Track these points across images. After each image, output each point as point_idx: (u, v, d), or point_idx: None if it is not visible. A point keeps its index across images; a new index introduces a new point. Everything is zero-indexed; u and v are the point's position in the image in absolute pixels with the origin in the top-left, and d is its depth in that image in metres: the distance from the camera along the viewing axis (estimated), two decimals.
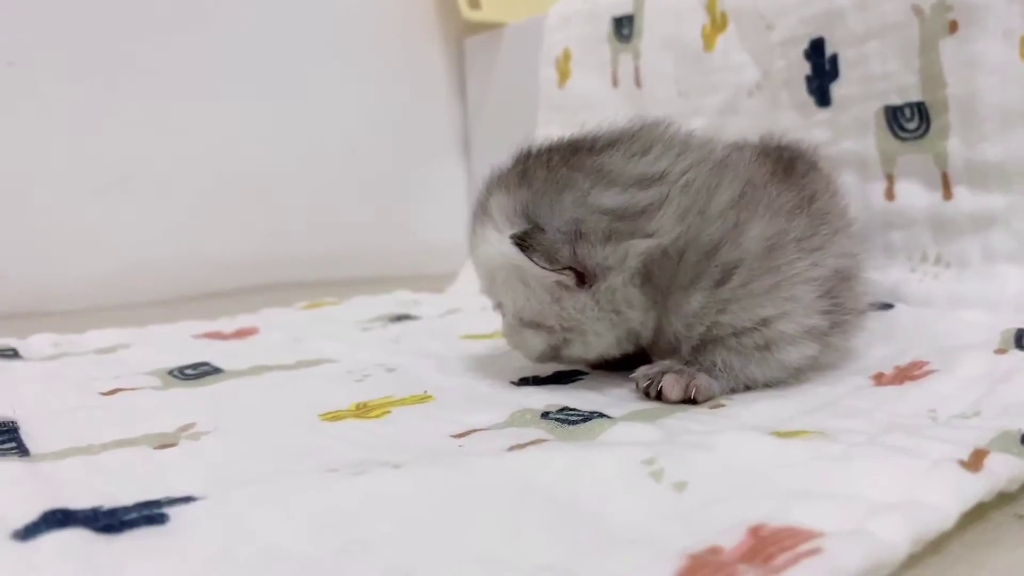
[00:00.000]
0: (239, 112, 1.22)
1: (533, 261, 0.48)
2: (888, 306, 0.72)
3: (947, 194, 0.73)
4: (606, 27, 1.06)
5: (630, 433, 0.42)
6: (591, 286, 0.49)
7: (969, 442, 0.36)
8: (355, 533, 0.30)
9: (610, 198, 0.49)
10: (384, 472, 0.36)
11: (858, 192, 0.79)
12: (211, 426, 0.47)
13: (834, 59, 0.80)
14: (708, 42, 0.94)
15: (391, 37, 1.33)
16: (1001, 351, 0.55)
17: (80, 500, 0.34)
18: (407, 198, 1.38)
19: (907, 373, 0.53)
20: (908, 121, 0.75)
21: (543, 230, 0.48)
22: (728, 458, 0.36)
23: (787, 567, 0.26)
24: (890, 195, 0.77)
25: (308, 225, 1.27)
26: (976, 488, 0.32)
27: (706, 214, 0.49)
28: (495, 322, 0.59)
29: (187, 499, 0.34)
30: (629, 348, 0.54)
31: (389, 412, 0.50)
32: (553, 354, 0.54)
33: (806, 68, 0.82)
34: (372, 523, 0.31)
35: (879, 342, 0.62)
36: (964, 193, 0.72)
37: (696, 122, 0.95)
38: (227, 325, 0.82)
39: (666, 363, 0.52)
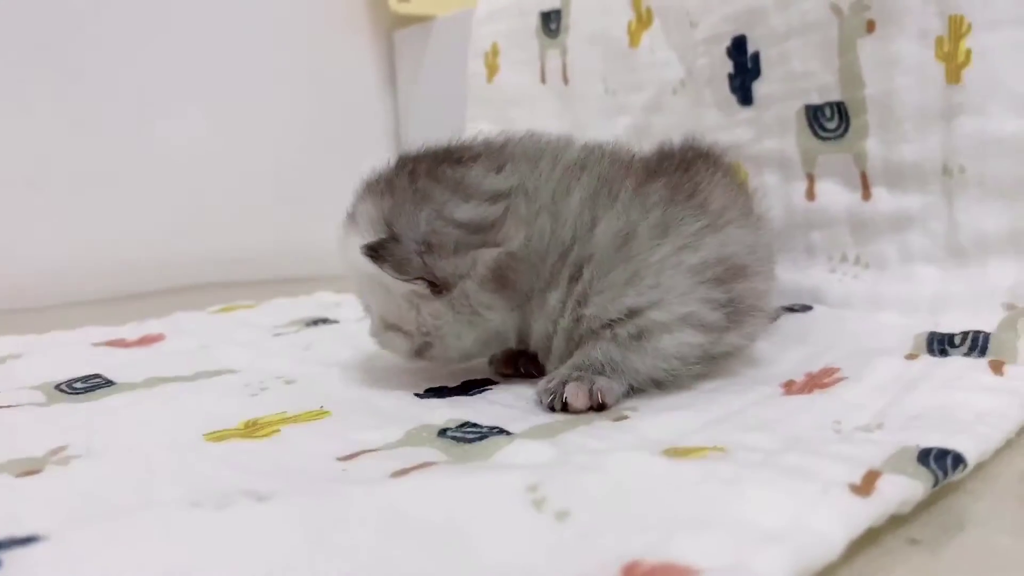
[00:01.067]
0: (159, 107, 1.17)
1: (384, 271, 0.50)
2: (807, 308, 0.71)
3: (866, 194, 0.73)
4: (534, 22, 1.04)
5: (524, 453, 0.40)
6: (445, 294, 0.51)
7: (865, 461, 0.34)
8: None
9: (464, 212, 0.51)
10: (250, 505, 0.33)
11: (780, 192, 0.79)
12: (83, 449, 0.44)
13: (756, 57, 0.79)
14: (634, 38, 0.92)
15: (320, 30, 1.29)
16: (912, 356, 0.55)
17: None
18: (337, 194, 1.34)
19: (817, 381, 0.52)
20: (828, 120, 0.74)
21: (398, 240, 0.50)
22: (617, 481, 0.34)
23: None
24: (811, 195, 0.77)
25: (232, 223, 1.23)
26: (866, 513, 0.30)
27: (559, 216, 0.52)
28: None
29: (28, 540, 0.31)
30: (497, 348, 0.58)
31: (278, 431, 0.47)
32: (419, 354, 0.55)
33: (728, 66, 0.81)
34: (223, 567, 0.29)
35: (795, 345, 0.61)
36: (883, 193, 0.71)
37: (622, 120, 0.94)
38: (132, 332, 0.78)
39: (562, 371, 0.51)
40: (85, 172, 1.13)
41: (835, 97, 0.73)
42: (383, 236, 0.51)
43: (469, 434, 0.44)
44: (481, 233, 0.51)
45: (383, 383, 0.57)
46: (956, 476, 0.36)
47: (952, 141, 0.66)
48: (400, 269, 0.50)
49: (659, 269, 0.50)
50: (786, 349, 0.60)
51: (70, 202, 1.12)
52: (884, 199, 0.71)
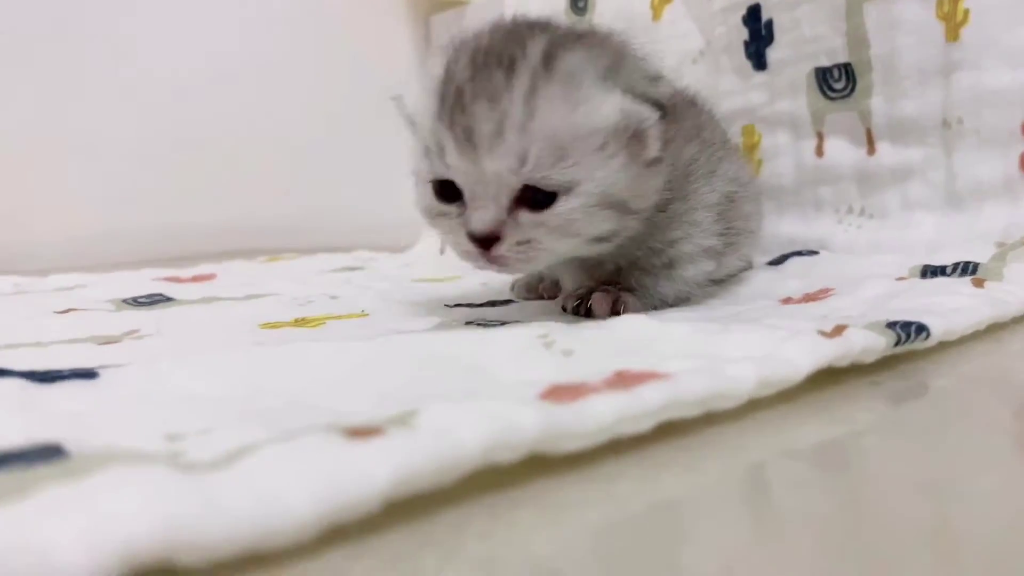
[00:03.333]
0: (208, 83, 1.25)
1: (651, 132, 0.48)
2: (814, 252, 0.76)
3: (871, 149, 0.77)
4: (563, 1, 1.10)
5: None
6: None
7: (837, 321, 0.39)
8: (267, 381, 0.34)
9: (662, 91, 0.51)
10: (306, 344, 0.39)
11: (791, 151, 0.84)
12: (153, 331, 0.50)
13: (769, 24, 0.84)
14: (656, 12, 0.98)
15: (358, 14, 1.36)
16: (902, 278, 0.59)
17: (20, 367, 0.37)
18: (372, 173, 1.41)
19: (812, 296, 0.57)
20: (836, 81, 0.79)
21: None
22: (618, 333, 0.39)
23: (636, 385, 0.29)
24: (820, 152, 0.81)
25: (272, 196, 1.30)
26: (830, 350, 0.35)
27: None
28: (451, 268, 0.63)
29: (119, 366, 0.37)
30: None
31: (324, 324, 0.53)
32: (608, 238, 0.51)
33: (744, 33, 0.86)
34: (283, 374, 0.34)
35: (797, 279, 0.66)
36: (886, 148, 0.76)
37: None
38: (187, 272, 0.84)
39: (588, 284, 0.56)
40: (137, 143, 1.21)
41: (842, 59, 0.78)
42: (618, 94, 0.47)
43: (492, 323, 0.50)
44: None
45: (418, 299, 0.62)
46: (919, 343, 0.40)
47: (951, 95, 0.70)
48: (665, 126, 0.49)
49: (697, 206, 0.55)
50: (788, 279, 0.65)
51: (120, 172, 1.20)
52: (887, 153, 0.76)
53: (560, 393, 0.29)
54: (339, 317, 0.55)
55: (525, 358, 0.37)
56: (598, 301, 0.54)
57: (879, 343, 0.38)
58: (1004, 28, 0.67)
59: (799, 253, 0.76)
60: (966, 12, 0.69)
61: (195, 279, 0.81)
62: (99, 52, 1.16)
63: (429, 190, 0.49)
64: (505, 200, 0.46)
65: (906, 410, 0.36)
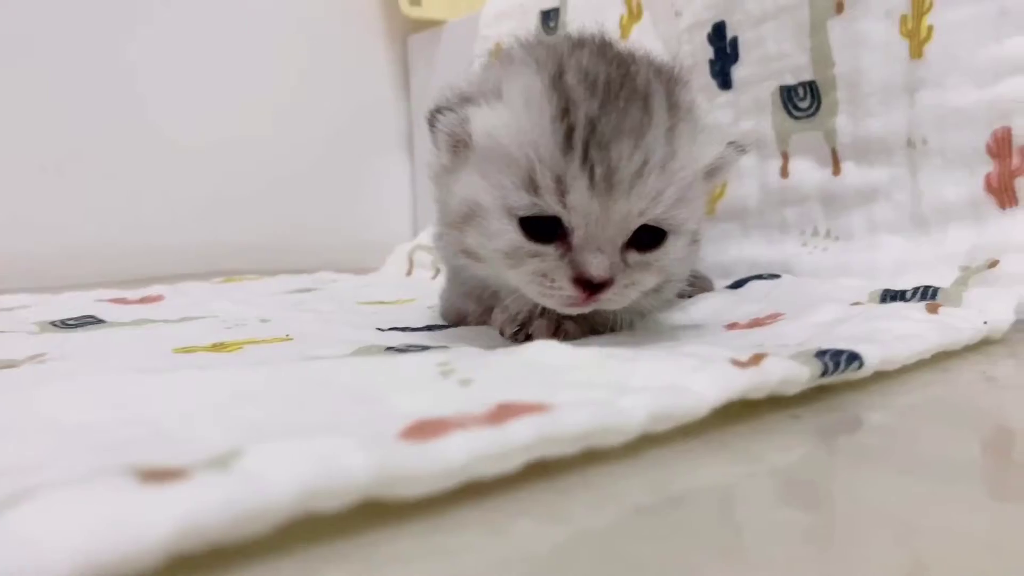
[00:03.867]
0: (184, 104, 1.23)
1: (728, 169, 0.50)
2: (775, 276, 0.73)
3: (836, 170, 0.75)
4: (534, 21, 1.09)
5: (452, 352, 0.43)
6: None
7: (758, 348, 0.37)
8: (136, 410, 0.31)
9: None
10: (191, 371, 0.36)
11: (756, 171, 0.81)
12: (57, 355, 0.48)
13: (734, 42, 0.82)
14: (625, 32, 0.96)
15: (337, 34, 1.35)
16: (857, 304, 0.57)
17: None
18: (352, 193, 1.40)
19: (760, 322, 0.54)
20: (801, 100, 0.77)
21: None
22: (526, 360, 0.37)
23: (510, 419, 0.26)
24: (785, 173, 0.79)
25: (252, 217, 1.28)
26: (741, 381, 0.33)
27: None
28: (409, 291, 0.60)
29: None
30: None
31: (242, 348, 0.50)
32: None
33: (709, 52, 0.84)
34: (156, 402, 0.32)
35: (753, 303, 0.63)
36: (851, 168, 0.74)
37: None
38: (136, 293, 0.82)
39: (530, 309, 0.53)
40: (112, 162, 1.19)
41: (807, 77, 0.76)
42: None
43: (414, 348, 0.47)
44: None
45: (354, 321, 0.60)
46: (851, 373, 0.38)
47: (915, 114, 0.68)
48: None
49: None
50: (742, 304, 0.63)
51: (94, 189, 1.18)
52: (852, 174, 0.73)
53: (423, 430, 0.26)
54: (260, 341, 0.52)
55: (416, 388, 0.34)
56: (540, 329, 0.51)
57: (801, 374, 0.35)
58: (969, 46, 0.65)
59: (760, 277, 0.73)
60: (930, 29, 0.67)
61: (142, 300, 0.79)
62: (62, 71, 1.15)
63: (510, 226, 0.43)
64: (621, 242, 0.44)
65: (834, 446, 0.33)
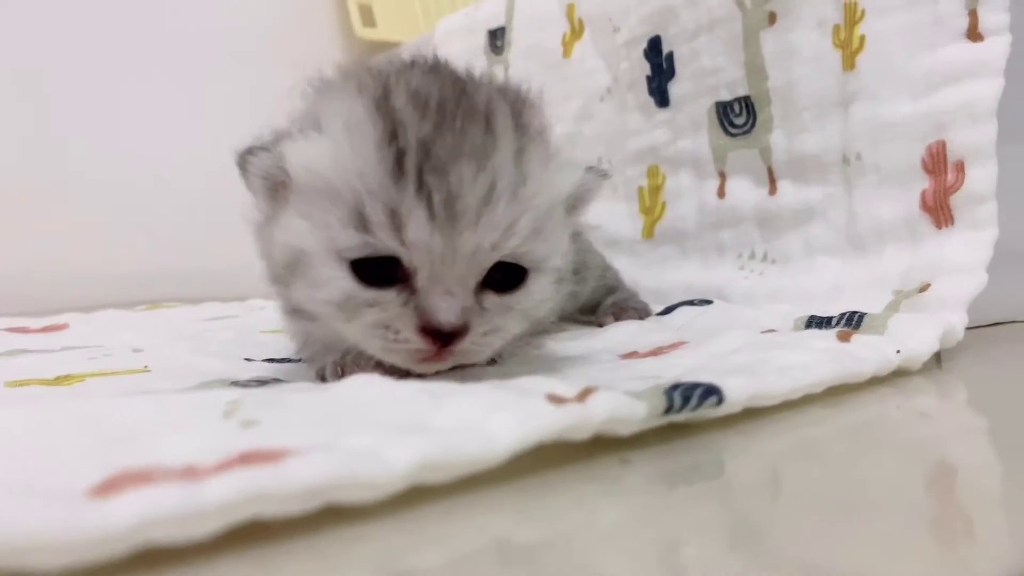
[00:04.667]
0: (121, 131, 1.21)
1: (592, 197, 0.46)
2: (707, 302, 0.69)
3: (772, 189, 0.70)
4: (482, 40, 1.05)
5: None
6: None
7: (591, 382, 0.32)
8: None
9: None
10: None
11: (694, 192, 0.77)
12: None
13: (670, 57, 0.78)
14: (567, 49, 0.92)
15: (287, 62, 1.31)
16: (769, 331, 0.52)
17: None
18: None
19: (660, 351, 0.50)
20: (737, 116, 0.73)
21: None
22: (338, 396, 0.32)
23: (217, 474, 0.22)
24: (721, 193, 0.75)
25: (193, 245, 1.24)
26: (550, 421, 0.28)
27: None
28: None
29: None
30: None
31: (84, 381, 0.46)
32: None
33: (646, 68, 0.80)
34: None
35: (666, 331, 0.59)
36: (787, 187, 0.69)
37: (557, 129, 0.93)
38: (40, 322, 0.78)
39: None
40: (45, 189, 1.16)
41: (742, 92, 0.72)
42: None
43: (252, 383, 0.43)
44: None
45: (230, 354, 0.56)
46: (706, 410, 0.33)
47: (849, 129, 0.64)
48: None
49: None
50: (656, 333, 0.58)
51: (27, 216, 1.15)
52: (789, 193, 0.69)
53: (118, 483, 0.22)
54: (110, 373, 0.48)
55: (188, 429, 0.30)
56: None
57: (634, 412, 0.30)
58: (902, 55, 0.60)
59: (692, 303, 0.69)
60: (862, 39, 0.63)
61: (44, 329, 0.75)
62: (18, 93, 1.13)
63: (340, 272, 0.37)
64: (473, 282, 0.38)
65: (653, 500, 0.28)
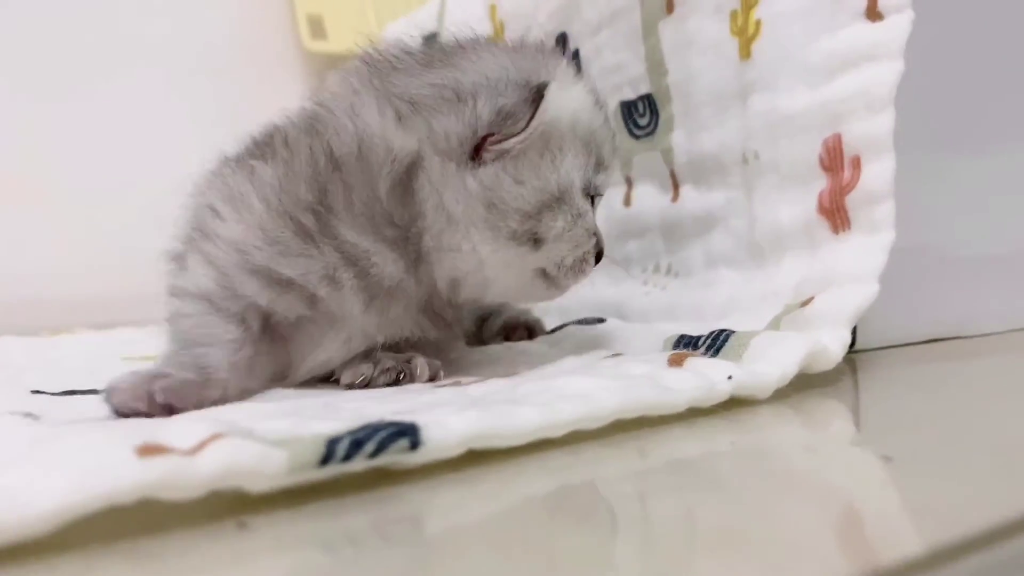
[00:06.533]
0: (70, 154, 1.19)
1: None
2: (600, 321, 0.62)
3: (675, 195, 0.64)
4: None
5: None
6: None
7: (230, 428, 0.26)
8: None
9: None
10: None
11: (604, 201, 0.70)
12: None
13: (576, 55, 0.72)
14: None
15: (236, 78, 1.29)
16: (615, 355, 0.45)
17: None
18: None
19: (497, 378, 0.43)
20: (641, 116, 0.66)
21: None
22: None
23: None
24: (628, 201, 0.68)
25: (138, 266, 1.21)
26: (120, 481, 0.22)
27: None
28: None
29: None
30: None
31: None
32: None
33: None
34: None
35: (530, 355, 0.52)
36: (690, 192, 0.62)
37: None
38: None
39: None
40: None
41: (645, 89, 0.65)
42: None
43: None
44: None
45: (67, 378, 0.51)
46: (393, 455, 0.27)
47: (747, 124, 0.57)
48: None
49: None
50: (520, 356, 0.52)
51: None
52: (691, 198, 0.62)
53: None
54: None
55: None
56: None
57: (267, 464, 0.24)
58: (800, 40, 0.53)
59: (585, 321, 0.62)
60: (758, 24, 0.56)
61: None
62: None
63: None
64: None
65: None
